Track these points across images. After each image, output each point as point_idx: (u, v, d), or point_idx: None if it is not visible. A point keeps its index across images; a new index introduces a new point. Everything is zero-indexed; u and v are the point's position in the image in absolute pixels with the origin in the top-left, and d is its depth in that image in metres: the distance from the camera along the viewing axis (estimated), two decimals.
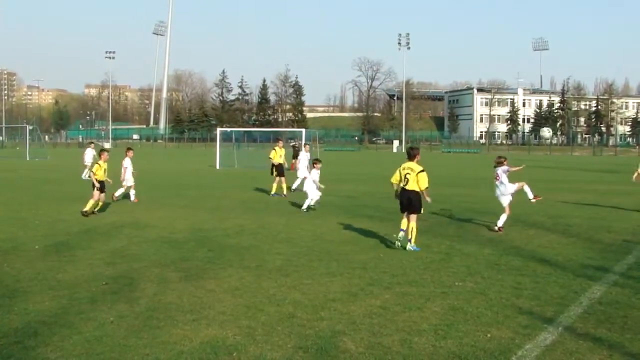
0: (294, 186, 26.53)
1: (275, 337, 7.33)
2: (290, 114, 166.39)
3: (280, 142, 27.93)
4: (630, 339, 7.38)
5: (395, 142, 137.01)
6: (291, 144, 48.93)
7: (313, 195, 20.09)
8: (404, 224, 13.24)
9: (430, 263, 11.76)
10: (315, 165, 20.61)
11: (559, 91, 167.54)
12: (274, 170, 26.08)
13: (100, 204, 18.78)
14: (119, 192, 22.09)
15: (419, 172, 12.98)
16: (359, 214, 18.89)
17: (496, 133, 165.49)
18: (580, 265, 11.68)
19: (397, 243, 13.15)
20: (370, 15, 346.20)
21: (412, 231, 13.07)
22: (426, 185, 13.07)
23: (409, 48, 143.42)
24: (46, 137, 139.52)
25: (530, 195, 16.71)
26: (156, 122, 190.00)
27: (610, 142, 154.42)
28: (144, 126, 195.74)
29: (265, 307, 8.58)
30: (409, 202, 13.04)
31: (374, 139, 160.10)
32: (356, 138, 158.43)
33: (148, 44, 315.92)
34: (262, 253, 12.56)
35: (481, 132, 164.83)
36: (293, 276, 10.52)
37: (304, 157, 27.10)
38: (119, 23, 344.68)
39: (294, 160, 44.95)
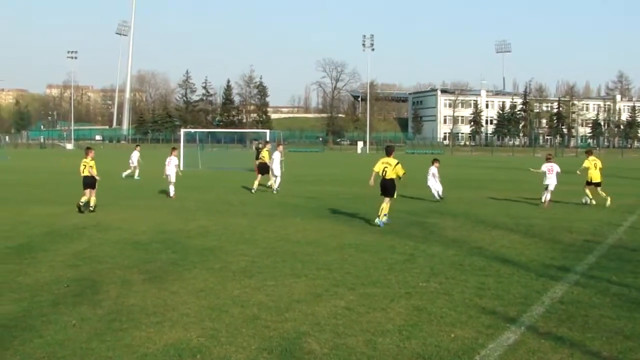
0: (276, 186, 27.78)
1: (239, 338, 7.31)
2: (255, 115, 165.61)
3: (268, 144, 30.01)
4: (591, 337, 7.48)
5: (360, 143, 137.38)
6: (254, 146, 48.81)
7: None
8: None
9: (394, 264, 11.81)
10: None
11: (522, 93, 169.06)
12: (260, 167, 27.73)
13: (94, 199, 19.39)
14: (172, 191, 24.08)
15: (396, 164, 16.88)
16: (323, 215, 18.91)
17: (460, 134, 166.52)
18: (542, 265, 11.82)
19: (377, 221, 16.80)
20: (335, 17, 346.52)
21: (382, 210, 16.78)
22: (403, 172, 17.16)
23: (373, 49, 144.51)
24: (6, 137, 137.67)
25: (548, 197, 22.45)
26: (119, 122, 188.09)
27: (572, 144, 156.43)
28: (107, 127, 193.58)
29: (230, 308, 8.55)
30: (386, 188, 16.91)
31: (338, 140, 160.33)
32: (320, 139, 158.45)
33: (111, 44, 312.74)
34: (226, 254, 12.51)
35: (445, 133, 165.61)
36: (257, 277, 10.50)
37: (278, 156, 28.63)
38: (81, 23, 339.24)
39: (256, 161, 45.03)
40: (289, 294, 9.43)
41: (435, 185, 24.17)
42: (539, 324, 7.98)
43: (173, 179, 24.31)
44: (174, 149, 26.08)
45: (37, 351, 6.84)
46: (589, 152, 24.94)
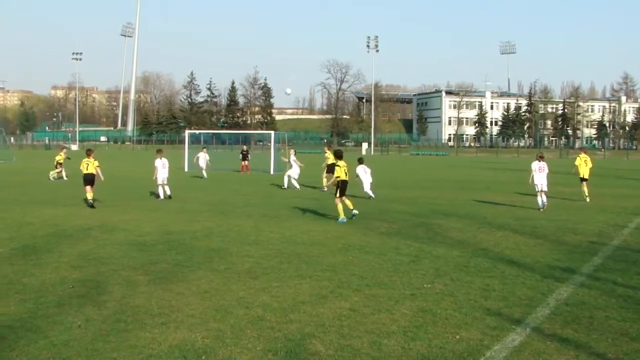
0: (296, 184, 30.20)
1: (244, 340, 7.31)
2: (259, 116, 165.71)
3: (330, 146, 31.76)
4: (596, 339, 7.46)
5: (364, 145, 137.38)
6: (244, 149, 48.61)
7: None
8: None
9: (399, 265, 11.80)
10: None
11: (526, 94, 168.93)
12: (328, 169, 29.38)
13: (90, 195, 21.02)
14: (161, 193, 24.42)
15: None
16: (328, 217, 18.89)
17: (464, 136, 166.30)
18: (548, 266, 11.80)
19: None
20: (340, 18, 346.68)
21: None
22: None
23: (377, 51, 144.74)
24: (11, 139, 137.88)
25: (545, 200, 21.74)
26: (124, 124, 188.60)
27: (577, 145, 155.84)
28: (112, 128, 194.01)
29: (234, 309, 8.55)
30: None
31: (342, 141, 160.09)
32: (325, 140, 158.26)
33: (116, 45, 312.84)
34: (231, 256, 12.51)
35: (449, 134, 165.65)
36: (262, 279, 10.49)
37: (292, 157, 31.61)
38: (86, 24, 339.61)
39: (244, 163, 45.37)
40: (294, 295, 9.43)
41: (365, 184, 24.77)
42: (545, 326, 7.97)
43: (159, 180, 24.45)
44: (159, 150, 26.05)
45: (42, 352, 6.84)
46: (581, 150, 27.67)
